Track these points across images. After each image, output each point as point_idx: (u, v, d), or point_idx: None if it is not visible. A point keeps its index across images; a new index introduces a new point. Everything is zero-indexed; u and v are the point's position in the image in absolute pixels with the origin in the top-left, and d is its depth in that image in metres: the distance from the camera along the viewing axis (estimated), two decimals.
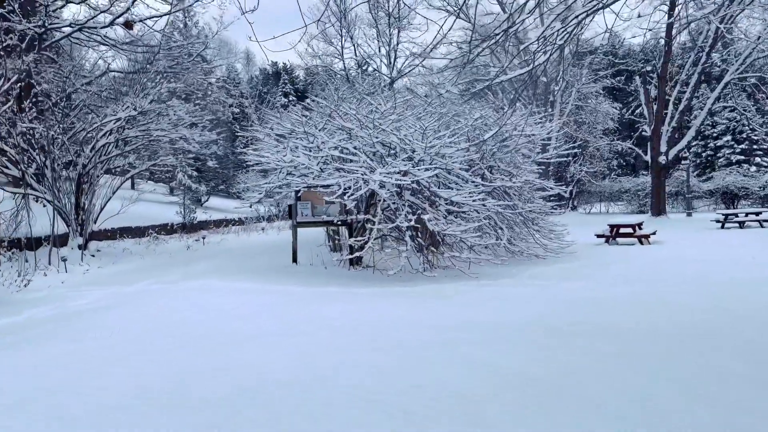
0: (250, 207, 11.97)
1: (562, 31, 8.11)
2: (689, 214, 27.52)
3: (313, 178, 9.83)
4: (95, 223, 13.50)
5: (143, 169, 14.00)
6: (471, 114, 12.49)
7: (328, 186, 9.84)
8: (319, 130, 10.54)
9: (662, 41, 27.05)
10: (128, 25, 20.91)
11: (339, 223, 10.45)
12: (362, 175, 9.55)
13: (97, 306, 7.20)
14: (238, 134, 23.92)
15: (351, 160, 9.91)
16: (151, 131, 13.01)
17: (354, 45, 28.74)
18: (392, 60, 27.32)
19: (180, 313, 6.56)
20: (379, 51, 28.08)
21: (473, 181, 10.74)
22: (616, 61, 34.50)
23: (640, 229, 16.25)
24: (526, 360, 4.67)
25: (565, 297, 7.61)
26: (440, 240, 10.81)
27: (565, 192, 33.48)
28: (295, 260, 11.05)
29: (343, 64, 27.50)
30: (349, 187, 9.46)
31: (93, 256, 13.35)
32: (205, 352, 4.96)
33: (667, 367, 4.50)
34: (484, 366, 4.52)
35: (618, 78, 36.76)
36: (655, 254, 13.20)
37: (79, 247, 13.21)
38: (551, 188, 13.43)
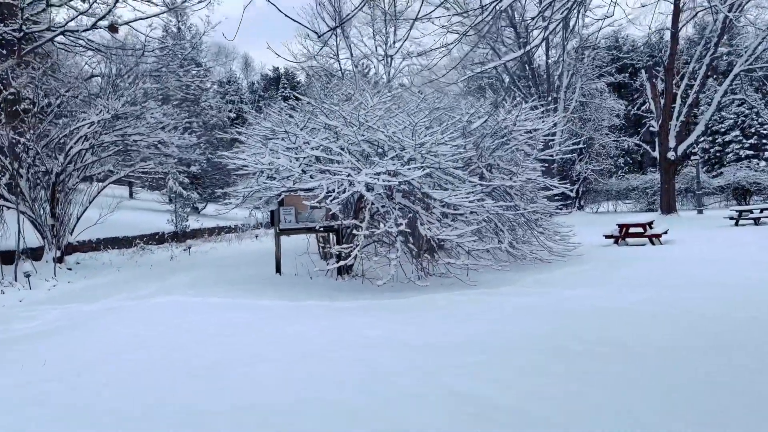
0: (248, 211, 11.13)
1: (562, 8, 7.29)
2: (700, 212, 26.57)
3: (294, 182, 9.04)
4: (71, 234, 12.75)
5: (122, 176, 13.25)
6: (467, 109, 11.67)
7: (311, 189, 9.04)
8: (301, 130, 9.75)
9: (668, 33, 26.17)
10: (113, 28, 20.22)
11: (321, 229, 9.64)
12: (347, 176, 8.75)
13: (45, 329, 6.42)
14: (219, 136, 23.24)
15: (335, 161, 9.11)
16: (128, 135, 12.26)
17: (349, 45, 28.00)
18: (389, 59, 26.57)
19: (134, 337, 5.77)
20: (376, 50, 27.34)
21: (470, 181, 9.91)
22: (620, 55, 33.60)
23: (651, 228, 15.36)
24: (524, 393, 3.85)
25: (571, 307, 6.77)
26: (435, 245, 9.99)
27: (571, 191, 32.64)
28: (278, 270, 10.25)
29: (339, 65, 26.78)
30: (333, 190, 8.65)
31: (70, 269, 12.61)
32: (142, 389, 4.16)
33: (700, 394, 3.66)
34: (471, 401, 3.70)
35: (623, 74, 35.92)
36: (668, 255, 12.32)
37: (54, 260, 12.46)
38: (555, 187, 12.59)
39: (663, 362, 4.51)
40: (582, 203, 34.43)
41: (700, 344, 4.99)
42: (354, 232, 9.39)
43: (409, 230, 9.25)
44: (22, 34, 17.39)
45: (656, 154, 26.54)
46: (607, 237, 15.23)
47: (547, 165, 28.96)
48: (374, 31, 27.71)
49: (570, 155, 30.72)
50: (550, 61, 27.57)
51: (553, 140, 20.51)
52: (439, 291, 8.73)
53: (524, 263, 11.24)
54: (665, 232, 15.33)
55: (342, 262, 8.79)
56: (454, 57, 26.24)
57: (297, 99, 10.13)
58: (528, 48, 6.85)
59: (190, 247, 15.33)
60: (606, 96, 33.53)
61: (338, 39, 28.12)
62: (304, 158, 9.31)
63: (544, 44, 27.81)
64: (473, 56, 29.02)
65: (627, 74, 38.22)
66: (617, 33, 31.88)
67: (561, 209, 14.15)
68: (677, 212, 25.18)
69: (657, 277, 9.25)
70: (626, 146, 36.98)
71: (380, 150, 9.54)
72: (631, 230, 15.26)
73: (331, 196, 8.57)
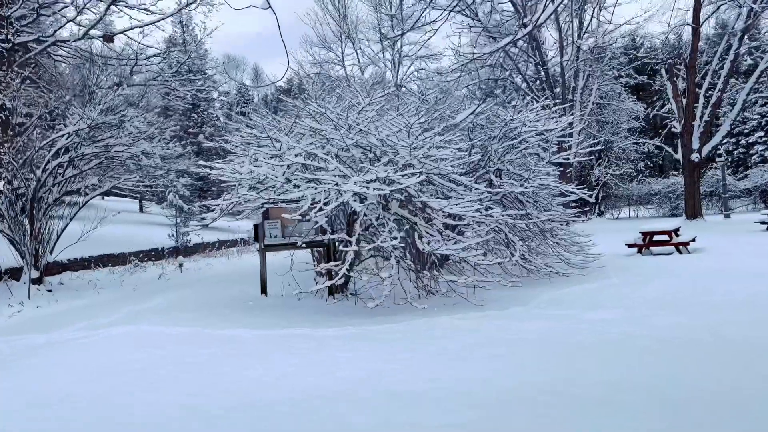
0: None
1: None
2: (727, 216, 25.19)
3: (275, 192, 8.08)
4: (51, 253, 11.91)
5: (105, 190, 12.42)
6: (468, 107, 10.65)
7: (297, 200, 8.08)
8: (287, 134, 8.81)
9: (688, 31, 24.95)
10: (108, 38, 19.59)
11: (303, 245, 8.65)
12: (334, 185, 7.77)
13: None
14: (204, 144, 22.43)
15: (322, 168, 8.15)
16: (110, 146, 11.44)
17: (356, 50, 27.15)
18: (396, 64, 25.65)
19: (57, 383, 4.82)
20: (383, 55, 26.48)
21: (476, 188, 8.89)
22: (638, 54, 32.33)
23: (677, 235, 14.18)
24: None
25: (593, 336, 5.70)
26: (437, 261, 8.97)
27: (590, 197, 31.40)
28: (264, 291, 9.29)
29: (345, 71, 25.89)
30: (318, 201, 7.68)
31: (50, 291, 11.77)
32: None
33: None
34: None
35: (641, 76, 34.50)
36: (698, 266, 11.16)
37: (30, 281, 11.62)
38: (572, 193, 11.49)
39: (718, 417, 3.44)
40: (602, 209, 33.14)
41: (760, 387, 3.91)
42: (342, 248, 8.40)
43: (404, 245, 8.26)
44: (10, 45, 16.76)
45: (679, 156, 25.28)
46: (630, 246, 14.07)
47: (563, 169, 27.81)
48: (381, 35, 26.82)
49: (588, 159, 29.48)
50: (564, 62, 26.44)
51: (568, 142, 19.36)
52: (439, 313, 7.69)
53: (538, 278, 10.16)
54: (693, 240, 14.13)
55: (329, 282, 7.79)
56: (465, 58, 25.27)
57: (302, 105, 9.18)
58: (530, 27, 5.85)
59: (181, 264, 14.46)
60: (624, 97, 32.27)
61: (344, 44, 27.36)
62: (288, 166, 8.35)
63: (557, 45, 26.73)
64: (483, 59, 28.00)
65: (645, 76, 36.84)
66: (634, 32, 30.61)
67: (579, 217, 13.03)
68: (703, 217, 23.86)
69: (689, 294, 8.13)
70: (646, 149, 35.60)
71: (373, 155, 8.57)
72: (656, 238, 14.08)
73: (316, 207, 7.59)
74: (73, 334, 6.83)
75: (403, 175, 7.79)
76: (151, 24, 19.37)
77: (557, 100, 24.50)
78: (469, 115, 8.02)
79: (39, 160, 11.64)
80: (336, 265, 8.05)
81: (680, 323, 6.14)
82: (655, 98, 35.94)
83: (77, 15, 15.71)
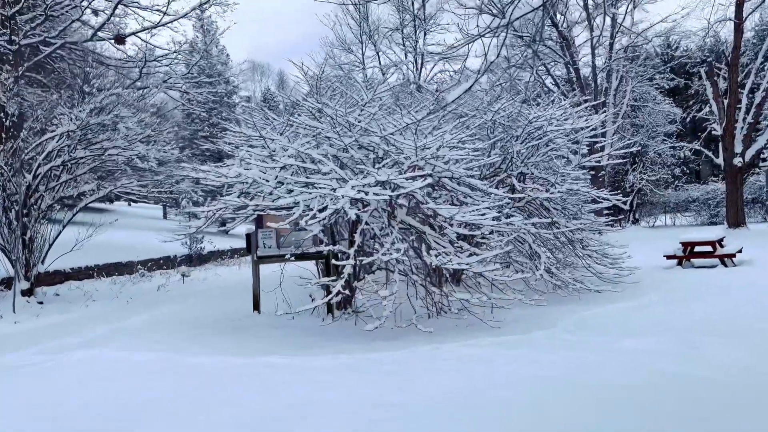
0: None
1: None
2: None
3: (264, 198, 7.17)
4: (43, 262, 11.21)
5: (101, 196, 11.70)
6: (491, 107, 9.64)
7: (290, 207, 7.15)
8: (281, 134, 7.90)
9: (729, 26, 23.44)
10: (119, 40, 19.02)
11: (292, 258, 7.68)
12: (331, 190, 6.82)
13: None
14: (196, 144, 21.70)
15: (318, 171, 7.21)
16: (105, 149, 10.71)
17: (377, 52, 26.22)
18: (419, 66, 24.69)
19: None
20: (405, 57, 25.50)
21: (494, 194, 7.84)
22: (675, 54, 30.74)
23: (722, 246, 12.85)
24: None
25: (634, 375, 4.62)
26: (447, 276, 7.95)
27: (624, 204, 29.85)
28: (256, 308, 8.37)
29: (364, 74, 24.95)
30: (312, 208, 6.74)
31: (41, 303, 11.06)
32: None
33: None
34: None
35: (677, 80, 32.78)
36: (748, 281, 9.93)
37: (23, 292, 10.93)
38: (605, 199, 10.35)
39: None
40: (636, 217, 31.56)
41: None
42: (334, 261, 7.42)
43: (412, 257, 7.28)
44: (16, 46, 16.28)
45: (720, 160, 23.72)
46: (668, 257, 12.80)
47: (594, 173, 26.44)
48: (403, 37, 25.91)
49: (621, 162, 28.04)
50: (596, 62, 25.14)
51: (600, 143, 18.10)
52: (449, 337, 6.66)
53: (566, 294, 9.04)
54: (740, 251, 12.81)
55: (323, 300, 6.82)
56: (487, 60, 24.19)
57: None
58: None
59: (184, 275, 13.68)
60: (660, 99, 30.70)
61: (364, 46, 26.48)
62: (281, 168, 7.44)
63: (589, 43, 25.44)
64: (509, 59, 26.89)
65: (682, 78, 35.12)
66: (670, 31, 29.05)
67: (612, 225, 11.85)
68: (746, 225, 22.27)
69: (742, 317, 6.96)
70: (683, 154, 33.89)
71: (376, 157, 7.60)
72: (698, 249, 12.80)
73: (308, 215, 6.66)
74: (26, 359, 6.00)
75: (407, 178, 6.81)
76: (162, 25, 18.82)
77: (588, 99, 23.16)
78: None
79: (31, 165, 10.97)
80: (333, 280, 7.10)
81: (739, 356, 5.02)
82: (691, 102, 34.24)
83: (81, 14, 15.10)
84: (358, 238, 7.21)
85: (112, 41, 18.71)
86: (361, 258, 6.89)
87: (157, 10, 18.92)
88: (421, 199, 7.22)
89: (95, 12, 19.46)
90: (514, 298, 7.76)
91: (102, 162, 10.95)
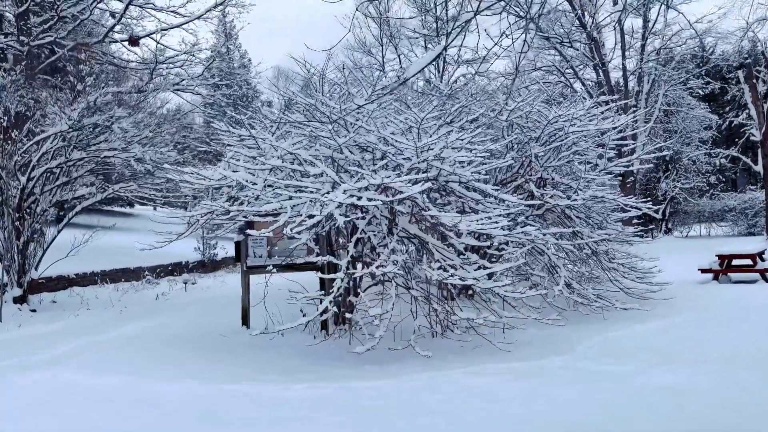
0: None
1: None
2: None
3: (248, 203, 6.51)
4: (36, 269, 10.72)
5: (98, 200, 11.19)
6: (506, 105, 8.84)
7: (276, 213, 6.46)
8: (272, 135, 7.22)
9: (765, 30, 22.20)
10: (133, 42, 18.69)
11: (273, 270, 6.94)
12: (325, 193, 6.11)
13: None
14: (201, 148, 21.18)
15: (309, 174, 6.52)
16: (102, 151, 10.18)
17: (398, 55, 25.51)
18: (441, 69, 23.91)
19: None
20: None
21: (508, 200, 7.04)
22: (710, 57, 29.39)
23: (762, 260, 11.80)
24: None
25: (669, 422, 3.80)
26: (452, 290, 7.17)
27: (656, 213, 28.53)
28: (245, 322, 7.69)
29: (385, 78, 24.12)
30: (300, 214, 6.03)
31: (34, 310, 10.58)
32: None
33: None
34: None
35: (713, 84, 31.31)
36: None
37: (15, 300, 10.46)
38: (633, 208, 9.45)
39: None
40: (669, 226, 30.20)
41: None
42: (319, 275, 6.70)
43: (401, 272, 6.53)
44: (27, 48, 16.00)
45: (759, 168, 22.49)
46: (703, 271, 11.77)
47: (623, 180, 25.28)
48: (426, 40, 25.14)
49: (651, 166, 26.82)
50: (627, 64, 24.05)
51: (629, 145, 17.10)
52: (449, 361, 5.89)
53: (588, 312, 8.17)
54: None
55: (307, 318, 6.10)
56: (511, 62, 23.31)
57: None
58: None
59: (186, 282, 13.12)
60: (694, 104, 29.32)
61: (385, 49, 25.80)
62: (270, 170, 6.77)
63: (620, 46, 24.34)
64: (535, 61, 25.94)
65: (717, 83, 33.60)
66: (705, 32, 27.74)
67: (642, 235, 10.90)
68: None
69: None
70: (719, 162, 32.38)
71: (373, 158, 6.88)
72: (736, 262, 11.76)
73: (295, 221, 5.95)
74: None
75: (405, 182, 6.06)
76: (176, 27, 18.44)
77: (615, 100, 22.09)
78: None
79: (25, 167, 10.51)
80: (324, 295, 6.38)
81: None
82: (728, 108, 32.72)
83: (89, 15, 14.71)
84: (352, 248, 6.49)
85: (127, 43, 18.39)
86: (351, 271, 6.15)
87: (173, 12, 18.59)
88: (423, 205, 6.46)
89: (113, 14, 19.20)
90: (529, 316, 6.93)
91: (98, 164, 10.44)
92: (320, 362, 6.07)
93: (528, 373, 5.29)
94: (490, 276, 6.75)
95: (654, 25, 24.82)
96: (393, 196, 6.26)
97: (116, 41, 17.68)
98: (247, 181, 6.64)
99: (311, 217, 5.97)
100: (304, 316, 6.90)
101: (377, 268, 6.04)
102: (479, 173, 7.47)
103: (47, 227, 10.90)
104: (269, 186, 6.66)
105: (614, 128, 9.02)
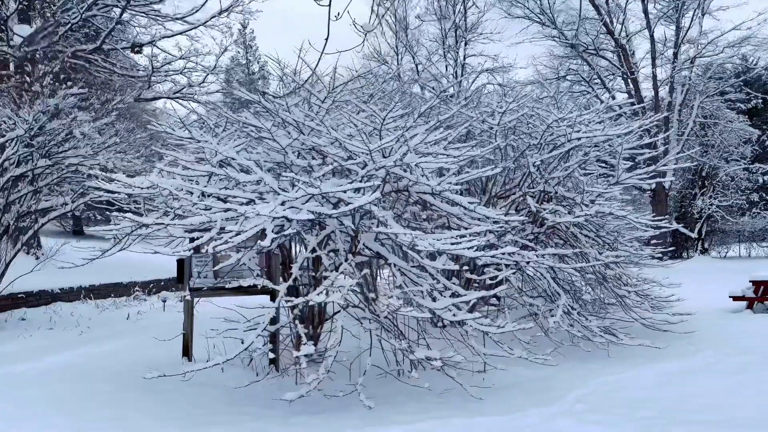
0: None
1: None
2: None
3: (171, 217, 5.57)
4: None
5: (67, 211, 10.43)
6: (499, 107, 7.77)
7: (207, 228, 5.49)
8: (215, 136, 6.28)
9: None
10: (135, 49, 18.17)
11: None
12: (262, 204, 5.12)
13: None
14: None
15: (240, 182, 5.55)
16: (68, 158, 9.43)
17: (416, 65, 24.48)
18: (459, 77, 22.83)
19: None
20: (445, 70, 23.64)
21: (484, 215, 5.94)
22: (753, 67, 27.63)
23: None
24: None
25: None
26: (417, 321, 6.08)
27: (692, 232, 26.72)
28: (186, 354, 6.69)
29: (400, 87, 23.15)
30: (224, 230, 5.06)
31: None
32: None
33: None
34: None
35: (754, 96, 29.39)
36: None
37: None
38: (649, 226, 8.22)
39: None
40: (706, 246, 28.34)
41: None
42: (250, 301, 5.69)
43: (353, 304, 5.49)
44: (17, 51, 15.51)
45: None
46: (735, 299, 10.38)
47: (654, 196, 23.75)
48: (445, 49, 24.10)
49: (683, 179, 25.14)
50: (658, 74, 22.62)
51: (642, 154, 15.76)
52: (399, 412, 4.81)
53: (592, 347, 6.96)
54: None
55: (233, 355, 5.08)
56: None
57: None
58: None
59: (165, 301, 12.27)
60: (733, 117, 27.49)
61: (400, 57, 24.82)
62: (211, 176, 5.83)
63: (649, 54, 22.95)
64: (559, 70, 24.70)
65: (758, 93, 31.59)
66: (745, 41, 26.02)
67: (662, 258, 9.63)
68: None
69: None
70: (762, 179, 30.33)
71: (322, 163, 5.87)
72: None
73: (221, 238, 4.98)
74: None
75: (352, 190, 5.04)
76: (179, 34, 17.85)
77: (641, 109, 20.66)
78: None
79: None
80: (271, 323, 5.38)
81: None
82: None
83: (80, 17, 14.12)
84: (295, 270, 5.48)
85: (130, 51, 17.87)
86: (288, 299, 5.13)
87: (180, 20, 18.02)
88: (382, 219, 5.42)
89: (119, 22, 18.76)
90: (511, 354, 5.79)
91: (63, 173, 9.67)
92: (247, 410, 5.05)
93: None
94: (476, 306, 5.69)
95: (687, 32, 23.35)
96: (336, 207, 5.25)
97: (115, 48, 17.11)
98: (179, 190, 5.70)
99: (242, 232, 5.00)
100: (247, 349, 5.90)
101: (318, 295, 5.02)
102: (458, 184, 6.41)
103: (9, 243, 10.13)
104: (205, 196, 5.72)
105: (626, 134, 7.83)
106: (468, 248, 5.24)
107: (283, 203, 5.05)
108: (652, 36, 22.64)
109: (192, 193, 5.78)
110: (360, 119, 6.00)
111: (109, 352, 7.55)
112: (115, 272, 15.78)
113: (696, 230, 27.18)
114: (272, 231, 4.89)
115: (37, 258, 10.28)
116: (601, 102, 21.36)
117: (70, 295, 14.42)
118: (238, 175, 5.38)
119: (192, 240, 6.40)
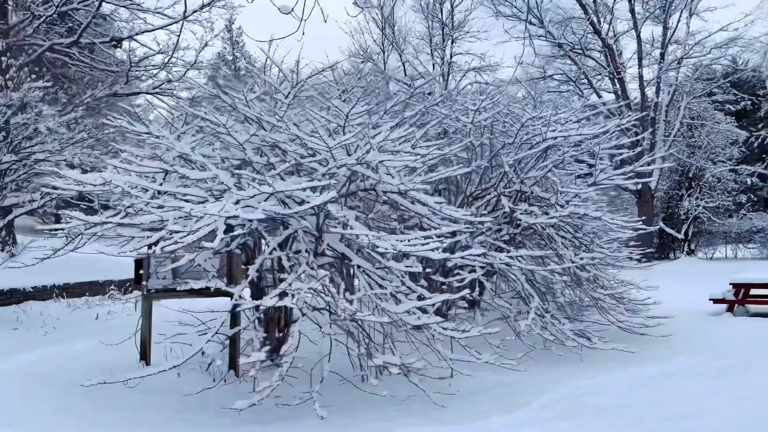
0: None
1: None
2: None
3: (122, 216, 5.34)
4: None
5: (34, 208, 10.14)
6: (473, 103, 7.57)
7: (160, 228, 5.26)
8: (172, 132, 6.05)
9: None
10: (115, 44, 17.87)
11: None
12: (213, 203, 4.90)
13: None
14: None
15: (190, 179, 5.33)
16: (34, 153, 9.14)
17: (402, 63, 24.24)
18: (446, 75, 22.65)
19: None
20: (433, 69, 23.42)
21: (450, 215, 5.74)
22: (742, 69, 27.59)
23: None
24: None
25: None
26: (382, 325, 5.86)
27: (679, 233, 26.67)
28: (144, 357, 6.46)
29: (387, 85, 22.96)
30: (178, 230, 4.83)
31: None
32: None
33: None
34: None
35: (740, 98, 29.37)
36: None
37: None
38: (623, 228, 8.05)
39: None
40: (692, 247, 28.28)
41: None
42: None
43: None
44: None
45: None
46: (716, 301, 10.22)
47: (640, 197, 23.69)
48: (432, 47, 23.89)
49: (670, 180, 25.09)
50: (644, 73, 22.52)
51: (620, 154, 15.63)
52: (356, 420, 4.61)
53: (564, 351, 6.76)
54: None
55: (190, 356, 4.87)
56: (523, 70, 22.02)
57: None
58: None
59: (137, 301, 11.97)
60: (720, 118, 27.45)
61: (387, 55, 24.57)
62: (167, 173, 5.60)
63: (636, 54, 22.84)
64: (545, 69, 24.54)
65: (746, 95, 31.58)
66: (732, 42, 25.99)
67: (640, 260, 9.48)
68: None
69: None
70: (749, 180, 30.31)
71: (281, 160, 5.66)
72: (755, 291, 10.19)
73: (171, 239, 4.75)
74: None
75: (309, 188, 4.82)
76: (160, 28, 17.57)
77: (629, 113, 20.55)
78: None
79: None
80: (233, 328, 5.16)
81: None
82: (760, 125, 30.71)
83: (56, 10, 13.81)
84: (252, 272, 5.26)
85: (110, 44, 17.56)
86: (239, 302, 4.92)
87: (159, 13, 17.74)
88: (342, 219, 5.21)
89: (104, 17, 18.49)
90: (478, 359, 5.59)
91: (30, 169, 9.38)
92: (193, 418, 4.84)
93: None
94: (452, 308, 5.48)
95: (674, 33, 23.27)
96: (298, 206, 5.03)
97: (94, 42, 16.78)
98: (133, 187, 5.46)
99: (193, 232, 4.77)
100: (203, 354, 5.68)
101: (272, 299, 4.80)
102: (430, 183, 6.22)
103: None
104: (159, 193, 5.49)
105: (603, 133, 7.65)
106: (431, 250, 5.04)
107: (237, 202, 4.84)
108: (638, 36, 22.52)
109: (147, 191, 5.56)
110: (323, 116, 5.79)
111: (68, 355, 7.30)
112: (90, 270, 15.46)
113: (683, 231, 27.15)
114: (222, 231, 4.67)
115: (12, 255, 9.96)
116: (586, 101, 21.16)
117: (42, 293, 14.10)
118: (190, 172, 5.15)
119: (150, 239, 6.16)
